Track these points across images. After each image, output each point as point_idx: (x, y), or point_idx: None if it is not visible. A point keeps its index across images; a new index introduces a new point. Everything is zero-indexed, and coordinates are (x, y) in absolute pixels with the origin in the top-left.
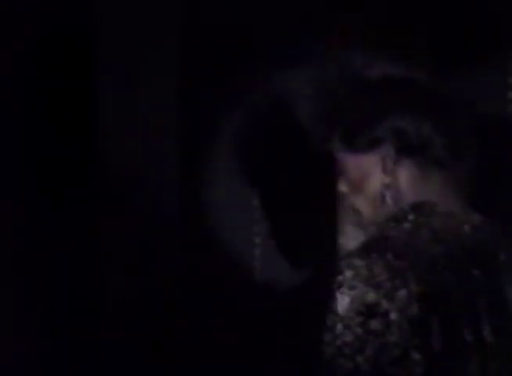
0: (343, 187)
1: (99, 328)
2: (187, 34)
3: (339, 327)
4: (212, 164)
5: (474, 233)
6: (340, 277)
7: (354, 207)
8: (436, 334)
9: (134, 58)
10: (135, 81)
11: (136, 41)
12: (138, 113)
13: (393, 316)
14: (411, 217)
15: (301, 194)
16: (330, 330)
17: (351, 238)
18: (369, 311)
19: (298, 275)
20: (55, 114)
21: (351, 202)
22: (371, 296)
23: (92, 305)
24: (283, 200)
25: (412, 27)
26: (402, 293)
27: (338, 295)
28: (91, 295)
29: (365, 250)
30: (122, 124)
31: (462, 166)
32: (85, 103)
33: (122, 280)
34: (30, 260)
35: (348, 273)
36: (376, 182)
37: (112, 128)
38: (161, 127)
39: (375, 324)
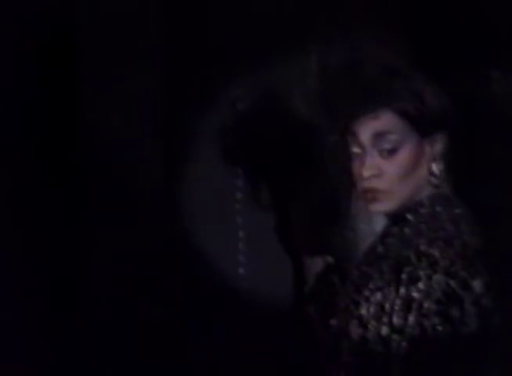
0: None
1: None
2: (170, 35)
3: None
4: (195, 161)
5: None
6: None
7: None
8: None
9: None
10: (120, 77)
11: (120, 40)
12: (120, 109)
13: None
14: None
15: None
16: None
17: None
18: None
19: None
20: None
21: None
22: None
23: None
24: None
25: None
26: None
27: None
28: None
29: None
30: (105, 122)
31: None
32: (69, 98)
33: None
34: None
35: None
36: (424, 172)
37: (95, 123)
38: (145, 125)
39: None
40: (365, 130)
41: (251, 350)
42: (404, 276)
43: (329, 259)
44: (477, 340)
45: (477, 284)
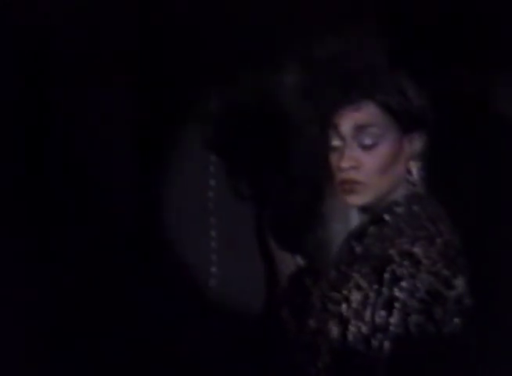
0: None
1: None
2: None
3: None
4: (168, 161)
5: None
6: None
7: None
8: None
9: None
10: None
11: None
12: (93, 109)
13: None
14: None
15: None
16: None
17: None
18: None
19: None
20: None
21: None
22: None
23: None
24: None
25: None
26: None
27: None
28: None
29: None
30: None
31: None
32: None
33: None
34: None
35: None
36: (402, 168)
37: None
38: (118, 124)
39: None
40: (347, 122)
41: (223, 350)
42: (387, 275)
43: (299, 260)
44: (460, 338)
45: (459, 283)
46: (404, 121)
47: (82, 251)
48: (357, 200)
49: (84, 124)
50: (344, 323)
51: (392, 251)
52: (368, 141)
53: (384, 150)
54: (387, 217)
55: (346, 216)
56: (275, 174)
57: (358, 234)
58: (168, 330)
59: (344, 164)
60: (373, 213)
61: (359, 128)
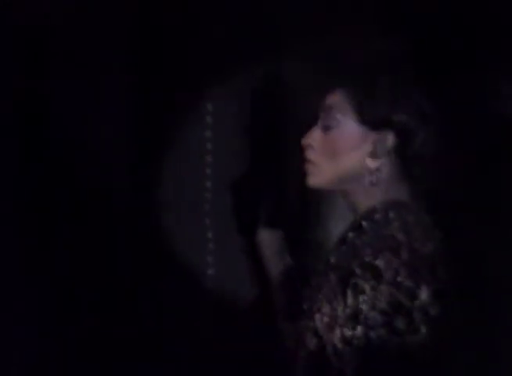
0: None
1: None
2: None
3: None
4: (164, 161)
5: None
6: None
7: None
8: None
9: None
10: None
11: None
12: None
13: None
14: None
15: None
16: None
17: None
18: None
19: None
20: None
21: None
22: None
23: None
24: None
25: None
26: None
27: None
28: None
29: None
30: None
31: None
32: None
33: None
34: None
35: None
36: (355, 161)
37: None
38: (117, 120)
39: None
40: (323, 103)
41: (220, 351)
42: (349, 288)
43: (289, 260)
44: (425, 349)
45: (423, 293)
46: (367, 116)
47: (79, 250)
48: (311, 180)
49: (83, 122)
50: (318, 334)
51: (355, 264)
52: (327, 122)
53: (339, 135)
54: (364, 223)
55: (345, 216)
56: (274, 171)
57: (339, 241)
58: (166, 333)
59: (304, 140)
60: (355, 219)
61: (327, 110)
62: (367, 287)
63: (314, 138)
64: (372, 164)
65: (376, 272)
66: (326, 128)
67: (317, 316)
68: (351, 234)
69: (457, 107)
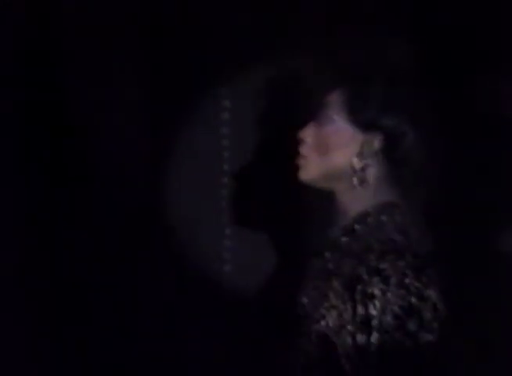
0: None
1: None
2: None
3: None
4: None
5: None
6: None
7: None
8: None
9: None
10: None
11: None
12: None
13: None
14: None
15: None
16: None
17: None
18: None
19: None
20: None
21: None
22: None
23: None
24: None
25: None
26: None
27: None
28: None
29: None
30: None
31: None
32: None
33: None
34: None
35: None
36: (343, 160)
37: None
38: (132, 119)
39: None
40: (323, 101)
41: (235, 348)
42: (358, 295)
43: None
44: (438, 348)
45: (432, 293)
46: (358, 117)
47: (90, 241)
48: (302, 175)
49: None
50: (325, 341)
51: (361, 270)
52: (322, 120)
53: (331, 132)
54: (357, 227)
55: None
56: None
57: (331, 245)
58: (182, 330)
59: (301, 134)
60: (347, 223)
61: (324, 107)
62: (377, 292)
63: (308, 133)
64: (357, 164)
65: (383, 276)
66: (320, 125)
67: (322, 323)
68: (344, 239)
69: (453, 109)
